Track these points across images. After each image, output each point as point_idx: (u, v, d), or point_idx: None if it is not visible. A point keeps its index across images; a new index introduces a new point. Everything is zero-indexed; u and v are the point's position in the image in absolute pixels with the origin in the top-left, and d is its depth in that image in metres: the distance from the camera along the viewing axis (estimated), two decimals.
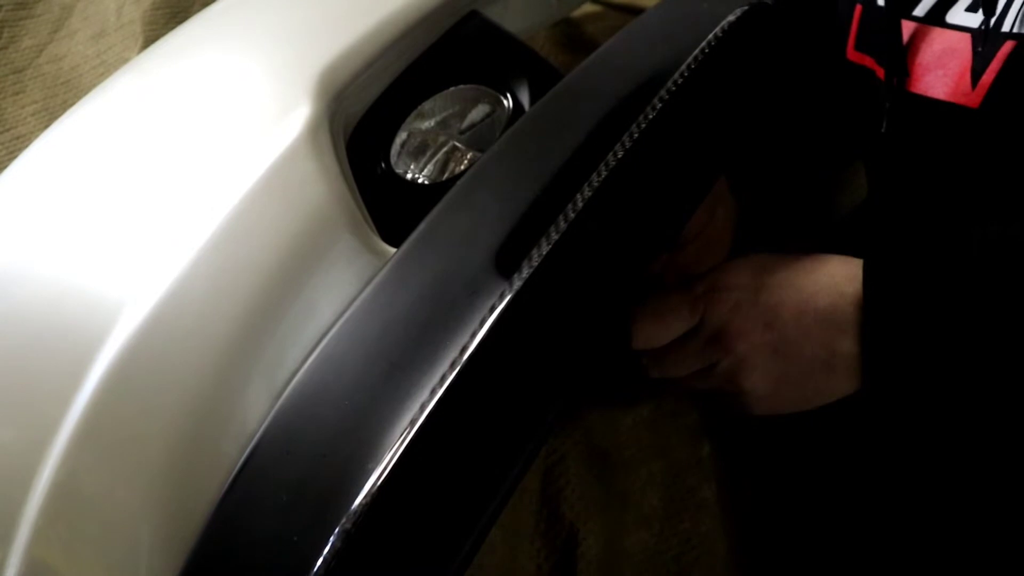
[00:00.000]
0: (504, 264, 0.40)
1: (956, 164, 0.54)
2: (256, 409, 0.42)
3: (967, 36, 0.52)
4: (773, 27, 0.50)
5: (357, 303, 0.42)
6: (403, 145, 0.51)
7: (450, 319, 0.39)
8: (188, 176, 0.45)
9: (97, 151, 0.48)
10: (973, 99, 0.51)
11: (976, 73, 0.51)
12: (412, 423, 0.36)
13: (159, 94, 0.50)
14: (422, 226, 0.44)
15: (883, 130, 0.57)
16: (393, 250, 0.45)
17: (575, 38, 0.93)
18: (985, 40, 0.50)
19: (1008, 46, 0.49)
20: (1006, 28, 0.49)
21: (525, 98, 0.52)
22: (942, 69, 0.53)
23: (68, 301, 0.43)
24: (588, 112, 0.45)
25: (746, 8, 0.47)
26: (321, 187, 0.45)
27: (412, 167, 0.51)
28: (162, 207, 0.44)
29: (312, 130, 0.46)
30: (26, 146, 0.50)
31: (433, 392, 0.36)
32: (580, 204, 0.40)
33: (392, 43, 0.52)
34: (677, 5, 0.54)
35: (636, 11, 0.99)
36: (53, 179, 0.47)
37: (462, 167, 0.51)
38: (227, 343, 0.42)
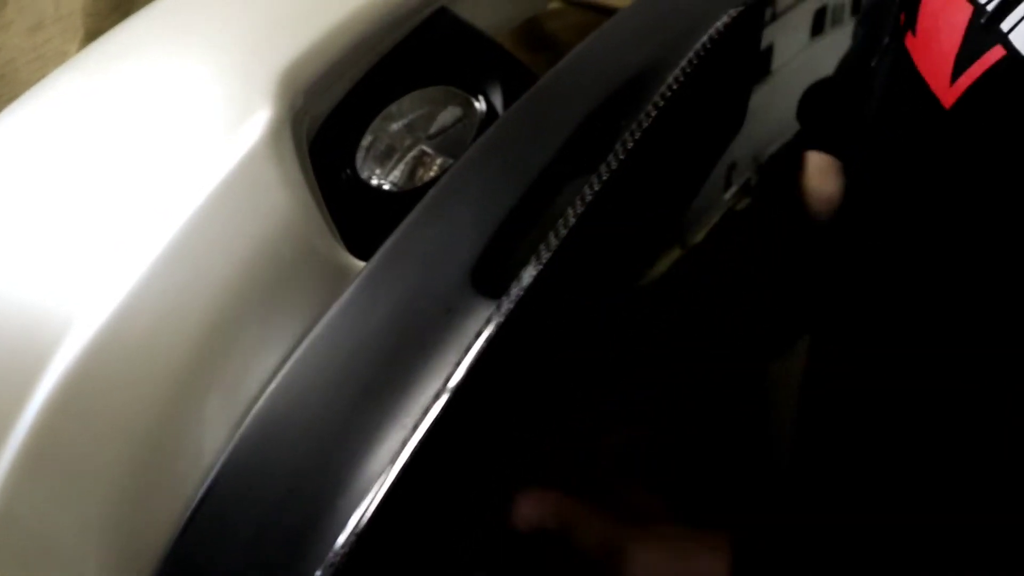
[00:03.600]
0: (484, 283, 0.38)
1: (925, 168, 0.51)
2: (214, 438, 0.39)
3: (968, 8, 0.47)
4: (761, 27, 0.48)
5: (324, 322, 0.39)
6: (369, 149, 0.48)
7: (428, 342, 0.36)
8: (140, 184, 0.42)
9: (39, 157, 0.44)
10: (947, 96, 0.48)
11: (959, 65, 0.47)
12: (393, 459, 0.33)
13: (106, 95, 0.46)
14: (392, 238, 0.41)
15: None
16: (361, 264, 0.42)
17: (536, 36, 0.90)
18: (980, 26, 0.46)
19: (997, 53, 0.45)
20: (1004, 25, 0.45)
21: (499, 101, 0.49)
22: (935, 39, 0.49)
23: (10, 318, 0.40)
24: (571, 115, 0.42)
25: (742, 8, 0.45)
26: (283, 195, 0.42)
27: (378, 173, 0.48)
28: (112, 217, 0.41)
29: (273, 134, 0.43)
30: None
31: (416, 427, 0.33)
32: (573, 220, 0.37)
33: (357, 41, 0.48)
34: (658, 2, 0.51)
35: (598, 8, 0.97)
36: None
37: (432, 173, 0.48)
38: (182, 365, 0.39)
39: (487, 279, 0.39)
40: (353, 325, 0.38)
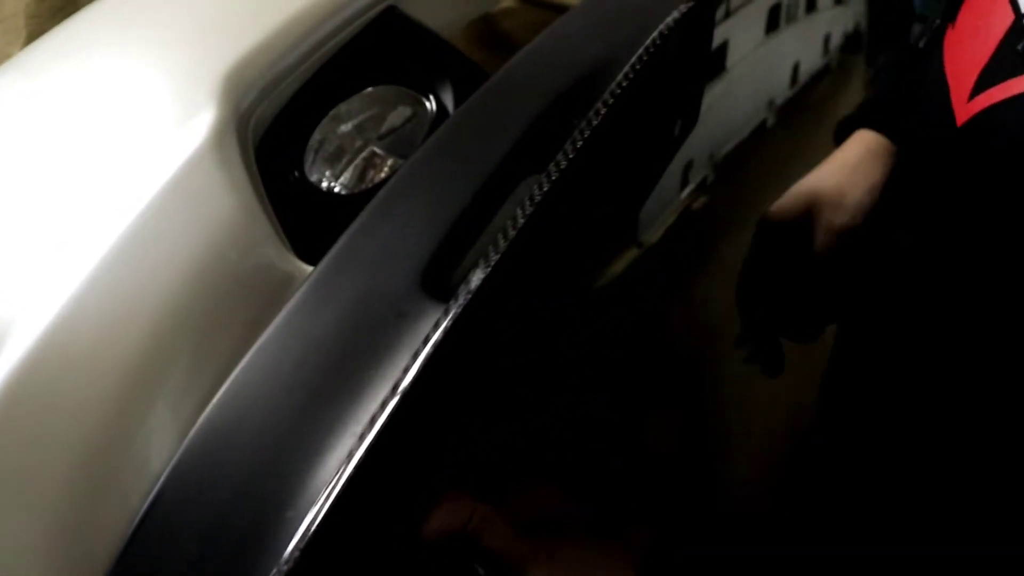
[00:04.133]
0: (435, 286, 0.37)
1: (936, 179, 0.47)
2: (161, 447, 0.38)
3: (1009, 16, 0.41)
4: (711, 24, 0.48)
5: (272, 327, 0.38)
6: (317, 151, 0.47)
7: (376, 347, 0.36)
8: (82, 186, 0.41)
9: None
10: (961, 113, 0.43)
11: (983, 81, 0.41)
12: (339, 469, 0.32)
13: (46, 96, 0.45)
14: (341, 241, 0.40)
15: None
16: (309, 268, 0.41)
17: (490, 34, 0.90)
18: (1016, 46, 0.40)
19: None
20: None
21: (449, 100, 0.49)
22: (968, 41, 0.44)
23: None
24: (522, 114, 0.42)
25: (692, 4, 0.44)
26: (229, 199, 0.41)
27: (328, 175, 0.47)
28: (54, 220, 0.40)
29: (218, 136, 0.42)
30: None
31: (362, 436, 0.32)
32: (521, 220, 0.36)
33: (304, 40, 0.48)
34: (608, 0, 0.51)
35: (552, 7, 0.96)
36: None
37: (382, 175, 0.47)
38: (126, 371, 0.38)
39: (438, 282, 0.38)
40: (301, 329, 0.38)
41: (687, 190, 0.68)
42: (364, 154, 0.48)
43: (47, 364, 0.37)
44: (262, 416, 0.36)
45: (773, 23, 0.75)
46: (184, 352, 0.39)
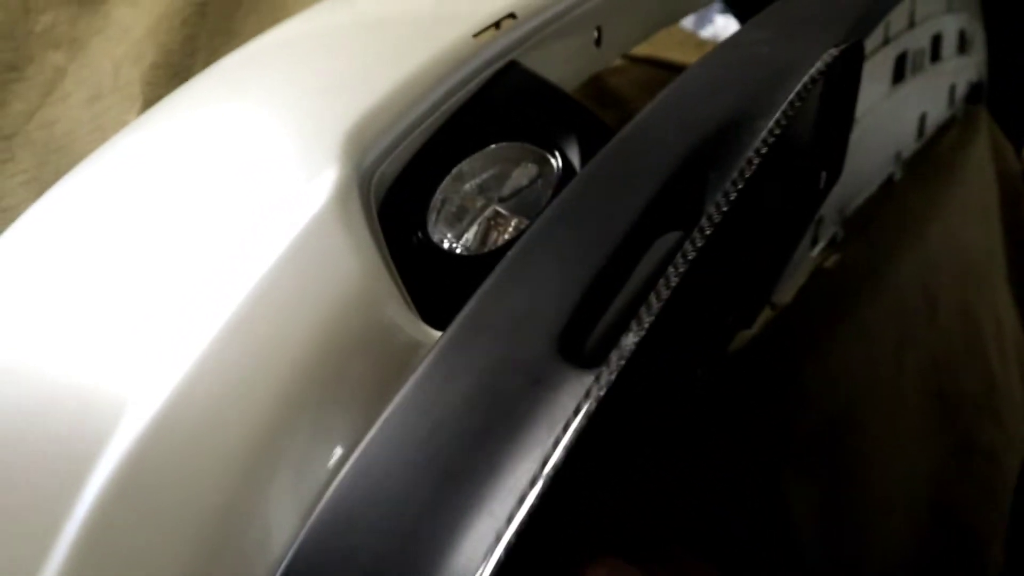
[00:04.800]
0: (575, 351, 0.34)
1: None
2: (282, 528, 0.35)
3: None
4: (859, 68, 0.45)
5: (398, 399, 0.36)
6: (439, 211, 0.45)
7: (516, 419, 0.33)
8: (199, 253, 0.39)
9: (95, 225, 0.42)
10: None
11: None
12: (487, 555, 0.29)
13: (164, 159, 0.44)
14: (470, 305, 0.37)
15: None
16: (437, 333, 0.38)
17: (599, 92, 0.88)
18: None
19: None
20: None
21: (576, 156, 0.46)
22: None
23: (63, 401, 0.37)
24: (658, 169, 0.39)
25: (845, 47, 0.41)
26: (353, 262, 0.39)
27: (450, 236, 0.45)
28: (170, 290, 0.38)
29: (341, 196, 0.40)
30: (15, 219, 0.44)
31: (510, 518, 0.29)
32: (675, 279, 0.33)
33: (425, 96, 0.46)
34: (736, 50, 0.48)
35: (660, 64, 0.95)
36: (44, 257, 0.41)
37: (507, 236, 0.45)
38: (246, 448, 0.36)
39: (576, 347, 0.35)
40: (431, 401, 0.35)
41: (818, 248, 0.64)
42: (487, 214, 0.46)
43: (164, 443, 0.35)
44: (390, 498, 0.34)
45: (900, 73, 0.71)
46: (306, 425, 0.37)
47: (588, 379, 0.32)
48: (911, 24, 0.71)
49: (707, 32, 1.16)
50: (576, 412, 0.31)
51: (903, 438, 0.67)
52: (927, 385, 0.71)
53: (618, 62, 0.95)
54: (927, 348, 0.72)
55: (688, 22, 1.10)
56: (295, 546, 0.34)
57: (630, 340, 0.32)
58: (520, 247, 0.39)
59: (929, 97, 0.79)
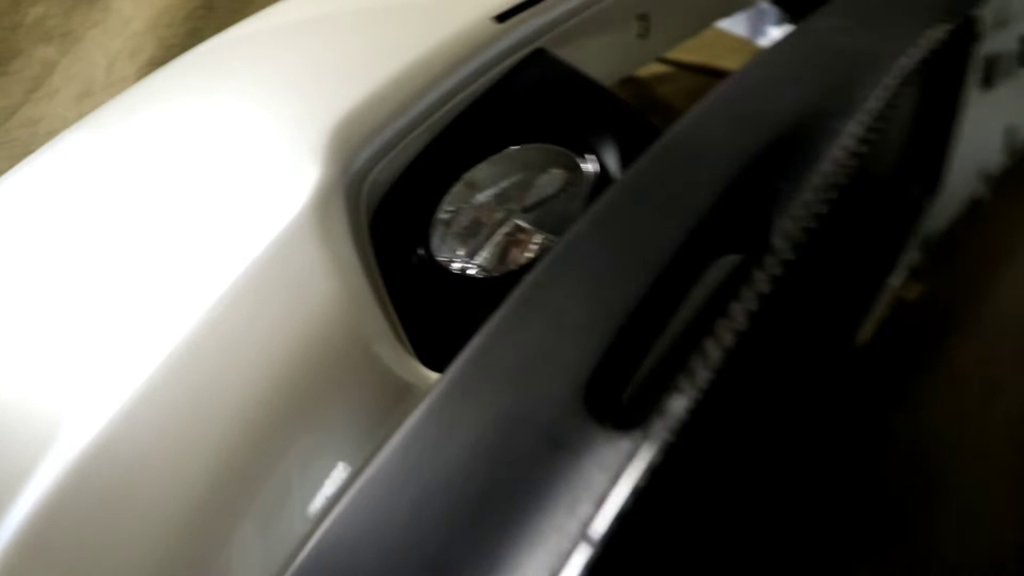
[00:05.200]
0: (606, 406, 0.26)
1: None
2: None
3: None
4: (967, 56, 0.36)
5: (378, 461, 0.28)
6: (448, 224, 0.37)
7: (526, 496, 0.25)
8: (159, 259, 0.33)
9: (49, 222, 0.35)
10: None
11: None
12: None
13: (128, 149, 0.37)
14: (476, 341, 0.30)
15: None
16: (434, 376, 0.31)
17: (646, 100, 0.80)
18: None
19: None
20: None
21: (613, 161, 0.38)
22: None
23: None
24: (713, 178, 0.31)
25: (952, 25, 0.33)
26: (332, 282, 0.32)
27: (460, 254, 0.37)
28: (123, 295, 0.32)
29: (321, 202, 0.33)
30: None
31: None
32: (741, 324, 0.25)
33: (430, 88, 0.38)
34: (806, 39, 0.40)
35: (712, 72, 0.87)
36: None
37: (527, 255, 0.37)
38: (196, 501, 0.29)
39: (607, 400, 0.27)
40: (419, 467, 0.27)
41: (898, 277, 0.55)
42: (506, 229, 0.38)
43: (98, 477, 0.29)
44: None
45: (989, 78, 0.62)
46: (271, 471, 0.30)
47: (623, 445, 0.24)
48: (1001, 23, 0.62)
49: (764, 42, 1.09)
50: (611, 485, 0.23)
51: (990, 505, 0.58)
52: (1016, 436, 0.62)
53: (666, 69, 0.87)
54: (1018, 396, 0.63)
55: (742, 29, 1.03)
56: None
57: (682, 402, 0.24)
58: (541, 270, 0.31)
59: (1018, 107, 0.70)
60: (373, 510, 0.27)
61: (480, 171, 0.39)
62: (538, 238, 0.37)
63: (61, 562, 0.29)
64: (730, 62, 0.89)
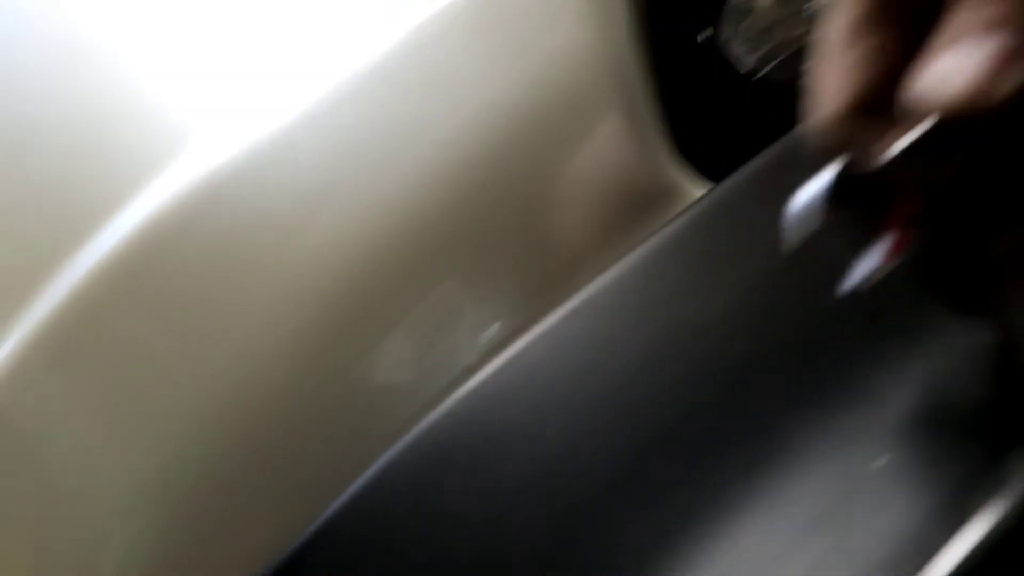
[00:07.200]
0: None
1: None
2: None
3: None
4: None
5: (612, 273, 0.21)
6: (743, 14, 0.29)
7: None
8: None
9: None
10: None
11: None
12: None
13: None
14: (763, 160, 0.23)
15: None
16: (698, 190, 0.25)
17: None
18: None
19: None
20: None
21: None
22: None
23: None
24: None
25: None
26: (589, 34, 0.25)
27: (752, 50, 0.30)
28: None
29: None
30: None
31: None
32: None
33: None
34: None
35: None
36: None
37: None
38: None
39: None
40: (686, 299, 0.21)
41: None
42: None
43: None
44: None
45: None
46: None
47: None
48: None
49: None
50: None
51: None
52: None
53: None
54: None
55: None
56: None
57: None
58: None
59: None
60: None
61: None
62: None
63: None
64: None
